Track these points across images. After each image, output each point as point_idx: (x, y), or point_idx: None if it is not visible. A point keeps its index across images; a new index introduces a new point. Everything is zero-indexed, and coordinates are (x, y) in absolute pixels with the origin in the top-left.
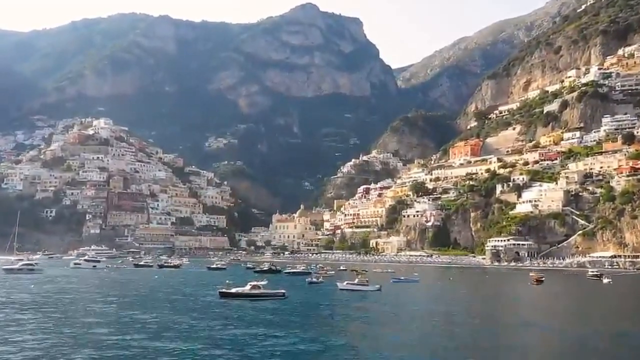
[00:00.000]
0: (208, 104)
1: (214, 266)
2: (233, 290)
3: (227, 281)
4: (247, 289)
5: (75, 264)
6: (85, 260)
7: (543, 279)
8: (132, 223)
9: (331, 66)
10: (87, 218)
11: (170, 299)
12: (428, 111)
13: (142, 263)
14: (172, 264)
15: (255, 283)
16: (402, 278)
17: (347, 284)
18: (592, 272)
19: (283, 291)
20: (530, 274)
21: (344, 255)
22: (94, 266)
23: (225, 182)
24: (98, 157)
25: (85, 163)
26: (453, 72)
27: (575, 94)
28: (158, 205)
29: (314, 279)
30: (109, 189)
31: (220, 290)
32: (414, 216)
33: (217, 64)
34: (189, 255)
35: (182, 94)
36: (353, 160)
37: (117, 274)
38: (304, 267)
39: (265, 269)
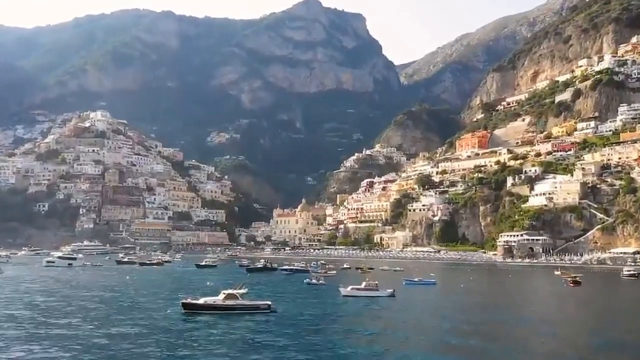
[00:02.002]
0: (210, 99)
1: (203, 264)
2: (201, 301)
3: (207, 283)
4: (219, 299)
5: (48, 262)
6: (60, 257)
7: (580, 279)
8: (127, 218)
9: (334, 62)
10: (81, 212)
11: (117, 310)
12: (432, 105)
13: (125, 260)
14: (155, 261)
15: (230, 291)
16: (417, 280)
17: (352, 289)
18: (629, 271)
19: (268, 302)
20: (556, 273)
21: (347, 251)
22: (70, 264)
23: (226, 177)
24: (94, 150)
25: (81, 156)
26: (456, 68)
27: (589, 82)
28: (155, 199)
29: (314, 280)
30: (104, 182)
31: (184, 302)
32: (420, 210)
33: (219, 59)
34: (186, 251)
35: (184, 89)
36: (356, 154)
37: (89, 273)
38: (302, 265)
39: (259, 266)
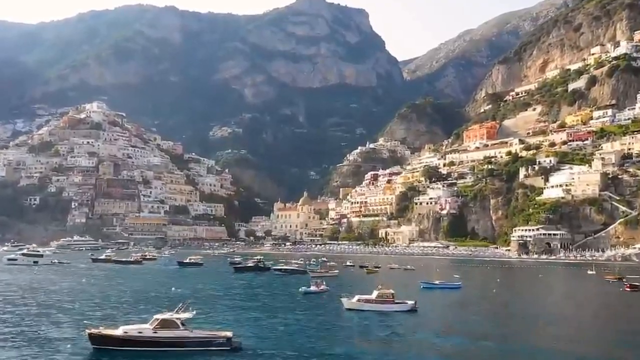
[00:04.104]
0: (213, 93)
1: (187, 261)
2: (118, 332)
3: (172, 288)
4: (149, 328)
5: (9, 259)
6: (24, 254)
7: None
8: (121, 212)
9: (337, 56)
10: (73, 206)
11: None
12: (436, 99)
13: (101, 257)
14: (132, 259)
15: (166, 316)
16: (438, 282)
17: (358, 301)
18: None
19: (227, 334)
20: (589, 272)
21: (350, 246)
22: (35, 262)
23: (227, 170)
24: (88, 142)
25: (75, 148)
26: (458, 63)
27: (604, 69)
28: (151, 192)
29: (313, 288)
30: (98, 175)
31: (91, 332)
32: (427, 203)
33: (222, 54)
34: (183, 246)
35: (187, 83)
36: (360, 147)
37: (48, 273)
38: (301, 262)
39: (250, 265)
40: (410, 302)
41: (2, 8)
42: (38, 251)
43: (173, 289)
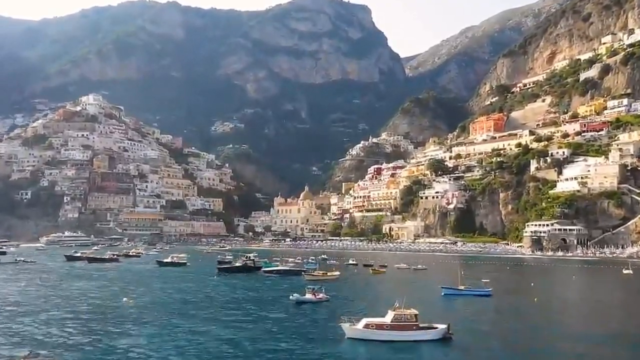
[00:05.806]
0: (215, 89)
1: (168, 261)
2: None
3: (124, 299)
4: None
5: None
6: None
7: None
8: (115, 206)
9: (339, 52)
10: (65, 201)
11: None
12: (439, 94)
13: (77, 255)
14: (108, 257)
15: None
16: (462, 288)
17: (366, 327)
18: None
19: None
20: (625, 271)
21: (352, 242)
22: None
23: (227, 165)
24: (83, 135)
25: (69, 141)
26: (461, 59)
27: (619, 57)
28: (147, 187)
29: (308, 296)
30: (92, 169)
31: None
32: (433, 198)
33: (225, 50)
34: (179, 242)
35: (189, 79)
36: (362, 142)
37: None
38: (297, 261)
39: (237, 265)
40: (442, 327)
41: (5, 4)
42: (1, 248)
43: (124, 299)
